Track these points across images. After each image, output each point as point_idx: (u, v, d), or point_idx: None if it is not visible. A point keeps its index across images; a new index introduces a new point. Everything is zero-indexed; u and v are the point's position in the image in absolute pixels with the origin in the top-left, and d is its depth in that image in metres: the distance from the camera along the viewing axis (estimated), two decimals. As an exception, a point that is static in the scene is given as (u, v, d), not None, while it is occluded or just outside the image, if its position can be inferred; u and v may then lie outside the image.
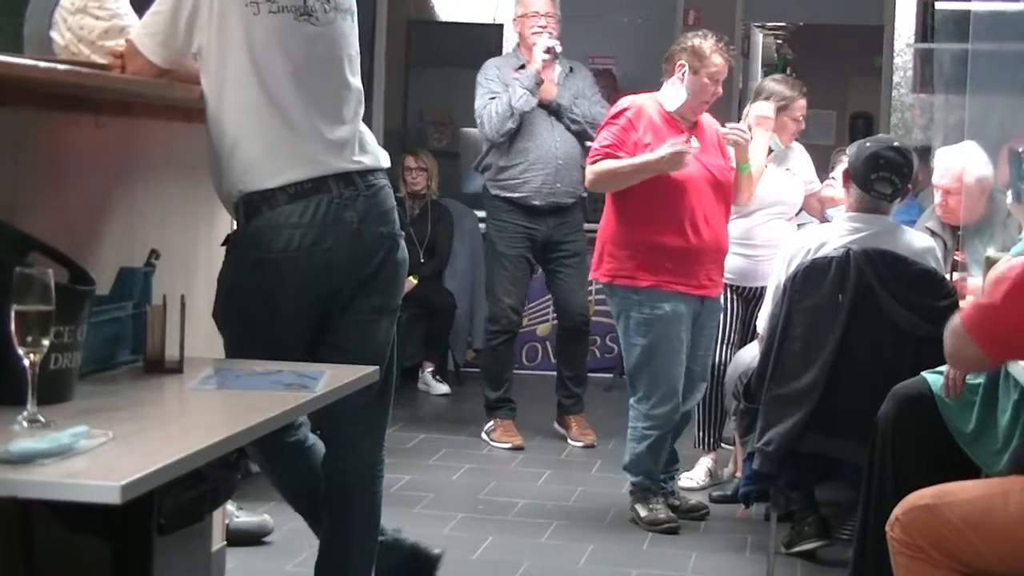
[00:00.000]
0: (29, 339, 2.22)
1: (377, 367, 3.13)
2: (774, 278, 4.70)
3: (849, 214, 4.61)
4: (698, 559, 4.89)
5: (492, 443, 6.62)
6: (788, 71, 11.57)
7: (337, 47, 3.39)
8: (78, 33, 3.58)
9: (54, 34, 3.61)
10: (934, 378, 3.83)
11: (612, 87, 8.67)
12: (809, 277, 4.39)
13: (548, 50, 6.36)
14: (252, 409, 2.53)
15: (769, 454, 4.38)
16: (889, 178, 4.51)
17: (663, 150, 5.01)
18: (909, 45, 9.31)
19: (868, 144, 4.63)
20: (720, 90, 5.23)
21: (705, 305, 5.22)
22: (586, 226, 6.75)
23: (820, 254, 4.44)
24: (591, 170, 5.17)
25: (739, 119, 5.98)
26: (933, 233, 5.42)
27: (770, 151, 5.70)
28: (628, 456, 5.31)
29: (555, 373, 6.90)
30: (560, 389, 6.79)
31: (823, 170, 6.20)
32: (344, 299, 3.36)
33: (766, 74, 11.59)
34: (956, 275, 4.94)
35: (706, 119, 5.32)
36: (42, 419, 2.24)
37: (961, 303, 4.26)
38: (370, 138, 3.47)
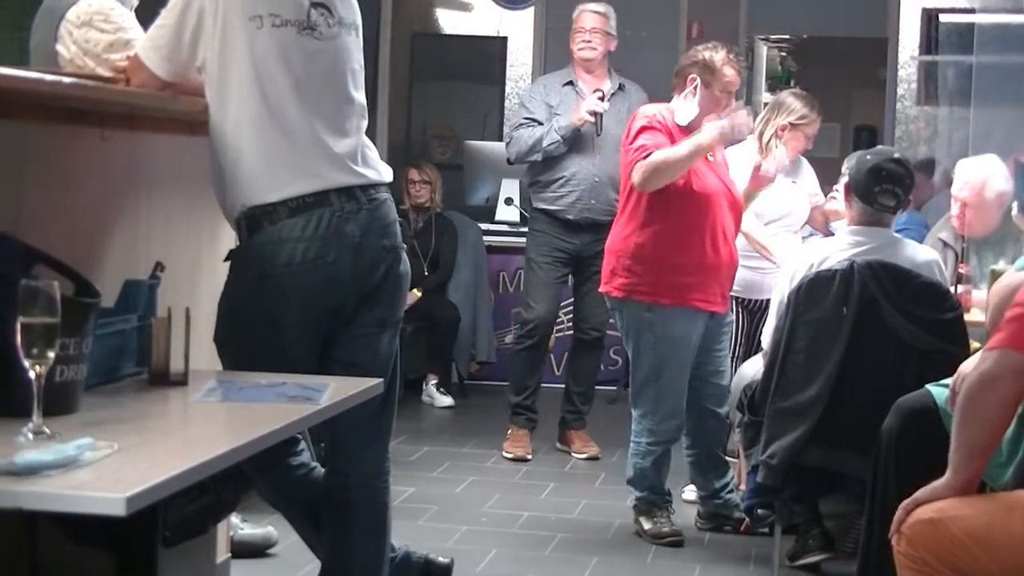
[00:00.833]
0: (34, 351, 2.22)
1: (381, 379, 3.13)
2: (777, 292, 4.69)
3: (851, 227, 4.61)
4: (702, 572, 4.88)
5: (503, 452, 6.61)
6: (792, 83, 11.58)
7: (340, 61, 3.40)
8: (83, 46, 3.59)
9: (59, 47, 3.63)
10: (938, 391, 3.83)
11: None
12: (813, 290, 4.39)
13: (593, 113, 6.41)
14: (256, 421, 2.53)
15: (773, 467, 4.38)
16: (892, 190, 4.52)
17: (711, 129, 4.97)
18: (913, 57, 9.33)
19: (869, 157, 4.64)
20: (733, 103, 5.19)
21: (714, 321, 5.20)
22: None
23: (823, 267, 4.44)
24: (641, 166, 5.00)
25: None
26: (945, 244, 5.43)
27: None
28: (631, 471, 5.30)
29: (561, 386, 6.89)
30: (566, 404, 6.78)
31: (828, 183, 6.20)
32: (347, 313, 3.36)
33: (770, 87, 11.61)
34: (961, 288, 4.94)
35: None
36: (47, 431, 2.24)
37: (967, 315, 4.27)
38: (372, 152, 3.47)
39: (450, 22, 10.43)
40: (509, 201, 8.46)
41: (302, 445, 3.69)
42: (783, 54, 12.36)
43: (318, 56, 3.34)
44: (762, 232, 5.60)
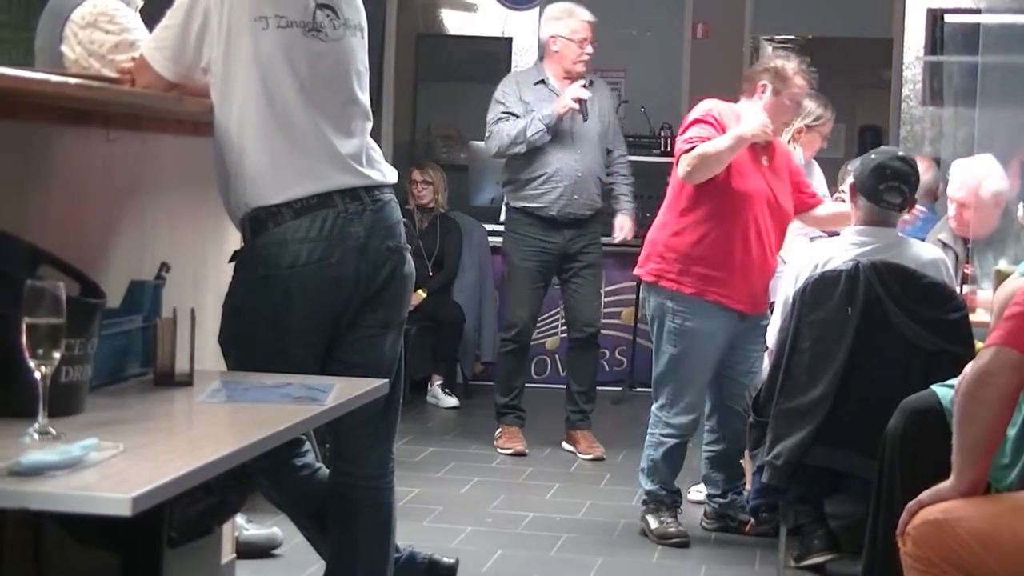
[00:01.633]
0: (40, 352, 2.23)
1: (386, 380, 3.14)
2: (782, 292, 4.70)
3: (856, 227, 4.61)
4: (707, 573, 4.88)
5: (498, 449, 6.66)
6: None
7: (345, 63, 3.40)
8: (88, 47, 3.60)
9: (65, 48, 3.63)
10: (943, 391, 3.82)
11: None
12: (818, 290, 4.39)
13: (578, 100, 6.42)
14: (262, 422, 2.54)
15: (778, 467, 4.38)
16: (898, 187, 4.52)
17: (753, 123, 4.97)
18: (918, 58, 9.33)
19: (873, 156, 4.64)
20: (799, 111, 5.25)
21: (747, 322, 5.18)
22: (603, 239, 6.82)
23: (828, 268, 4.44)
24: (686, 159, 4.99)
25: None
26: (945, 245, 5.42)
27: None
28: (644, 462, 5.31)
29: (564, 386, 6.90)
30: (569, 404, 6.78)
31: (833, 183, 6.20)
32: (351, 314, 3.36)
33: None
34: (966, 288, 4.93)
35: (781, 145, 5.30)
36: (53, 431, 2.24)
37: (972, 316, 4.27)
38: (377, 153, 3.47)
39: (455, 23, 10.44)
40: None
41: (306, 446, 3.70)
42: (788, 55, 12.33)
43: (323, 57, 3.33)
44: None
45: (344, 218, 3.28)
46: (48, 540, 2.79)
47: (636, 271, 5.38)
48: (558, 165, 6.53)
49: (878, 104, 9.94)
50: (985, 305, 4.61)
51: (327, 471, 3.62)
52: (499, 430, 6.77)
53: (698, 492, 5.71)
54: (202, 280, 3.71)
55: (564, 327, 7.08)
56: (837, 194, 5.81)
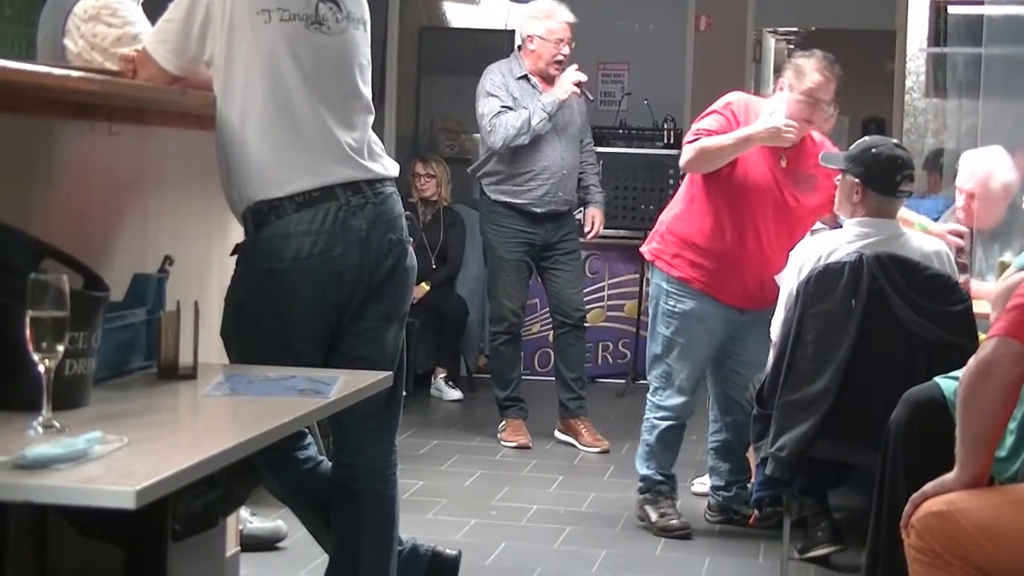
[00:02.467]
0: (44, 345, 2.23)
1: (390, 372, 3.14)
2: (785, 285, 4.69)
3: (858, 219, 4.61)
4: (711, 565, 4.89)
5: (501, 442, 6.69)
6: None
7: (348, 56, 3.40)
8: (91, 40, 3.60)
9: (67, 41, 3.63)
10: (947, 383, 3.82)
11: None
12: (822, 282, 4.39)
13: (578, 84, 6.46)
14: (266, 414, 2.54)
15: (782, 459, 4.38)
16: (910, 175, 4.58)
17: (763, 123, 4.94)
18: (922, 50, 9.30)
19: (874, 150, 4.59)
20: (829, 111, 5.17)
21: (748, 315, 5.18)
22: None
23: (831, 260, 4.44)
24: (687, 149, 5.02)
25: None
26: (951, 237, 5.42)
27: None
28: (640, 447, 5.35)
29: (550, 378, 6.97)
30: (564, 391, 6.78)
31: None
32: (354, 307, 3.36)
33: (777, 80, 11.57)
34: (962, 277, 4.94)
35: (815, 144, 5.17)
36: (57, 425, 2.24)
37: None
38: (379, 146, 3.47)
39: (458, 16, 10.43)
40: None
41: (309, 439, 3.70)
42: (791, 47, 12.32)
43: (326, 50, 3.33)
44: None
45: (346, 211, 3.28)
46: (52, 533, 2.80)
47: (642, 248, 5.44)
48: (546, 163, 6.57)
49: (881, 96, 9.93)
50: (980, 296, 4.60)
51: (330, 464, 3.62)
52: (503, 423, 6.79)
53: (702, 484, 5.71)
54: (206, 273, 3.71)
55: (551, 314, 7.08)
56: None
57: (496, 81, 6.62)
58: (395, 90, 9.55)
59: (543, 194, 6.58)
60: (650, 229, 5.47)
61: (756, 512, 5.19)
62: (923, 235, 4.77)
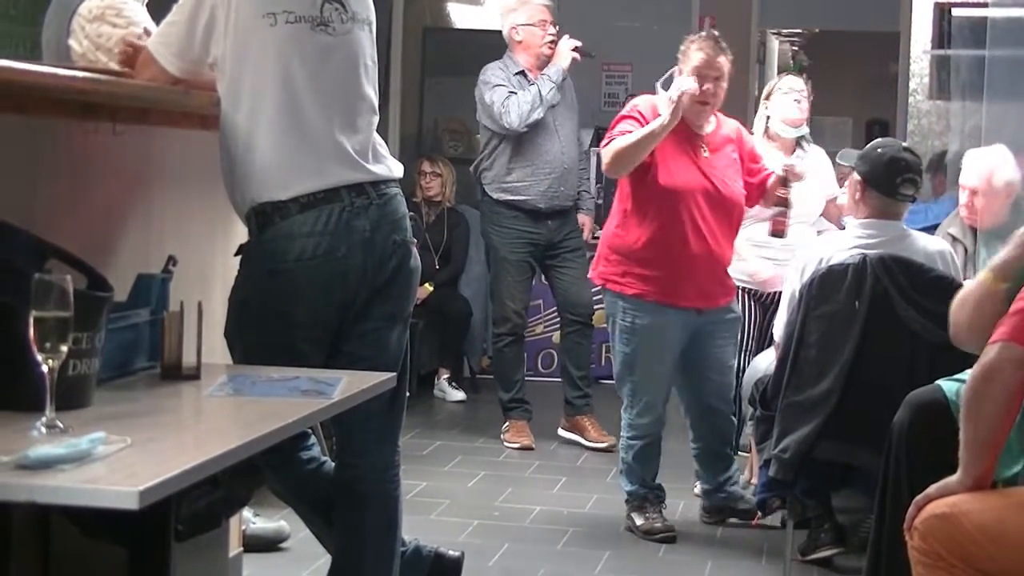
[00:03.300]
0: (47, 345, 2.23)
1: (394, 373, 3.14)
2: (788, 286, 4.69)
3: (862, 220, 4.61)
4: (714, 566, 4.88)
5: (505, 443, 6.68)
6: (804, 78, 11.54)
7: (353, 57, 3.40)
8: (96, 41, 3.59)
9: (72, 42, 3.63)
10: (949, 385, 3.82)
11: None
12: (825, 284, 4.39)
13: (576, 49, 6.52)
14: (269, 415, 2.54)
15: (785, 461, 4.38)
16: (912, 179, 4.55)
17: (664, 114, 4.90)
18: (925, 52, 9.30)
19: (880, 150, 4.62)
20: (716, 89, 5.06)
21: (706, 315, 5.15)
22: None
23: (835, 261, 4.44)
24: (608, 151, 5.03)
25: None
26: (954, 239, 5.41)
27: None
28: (621, 464, 5.34)
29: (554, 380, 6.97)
30: (571, 389, 6.79)
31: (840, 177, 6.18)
32: (357, 308, 3.37)
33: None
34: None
35: (729, 130, 5.23)
36: (60, 425, 2.25)
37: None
38: (383, 148, 3.47)
39: (461, 16, 10.42)
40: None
41: (312, 440, 3.70)
42: (795, 48, 12.33)
43: (332, 52, 3.33)
44: (747, 248, 5.57)
45: (350, 212, 3.29)
46: (56, 533, 2.80)
47: (589, 275, 5.43)
48: (548, 157, 6.60)
49: (885, 98, 9.92)
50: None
51: (333, 464, 3.63)
52: (506, 424, 6.79)
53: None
54: (209, 273, 3.71)
55: (558, 312, 7.08)
56: (846, 186, 5.75)
57: (498, 74, 6.67)
58: (399, 91, 9.55)
59: (544, 189, 6.59)
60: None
61: (760, 512, 5.18)
62: (927, 236, 4.77)
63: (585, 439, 6.71)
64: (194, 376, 2.92)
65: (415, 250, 3.48)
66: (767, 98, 5.89)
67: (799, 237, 5.56)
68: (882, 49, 9.98)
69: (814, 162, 5.86)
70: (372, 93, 3.45)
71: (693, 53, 5.08)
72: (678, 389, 5.34)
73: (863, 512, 4.96)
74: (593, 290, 6.42)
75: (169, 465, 2.09)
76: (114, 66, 3.46)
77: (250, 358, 3.26)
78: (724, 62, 5.10)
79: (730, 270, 5.23)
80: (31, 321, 2.23)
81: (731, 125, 5.27)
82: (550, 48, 6.60)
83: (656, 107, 5.07)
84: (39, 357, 2.23)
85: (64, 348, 2.25)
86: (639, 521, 5.23)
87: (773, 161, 5.36)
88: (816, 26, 10.82)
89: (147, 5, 3.81)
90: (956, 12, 8.36)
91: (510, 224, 6.66)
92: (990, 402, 3.01)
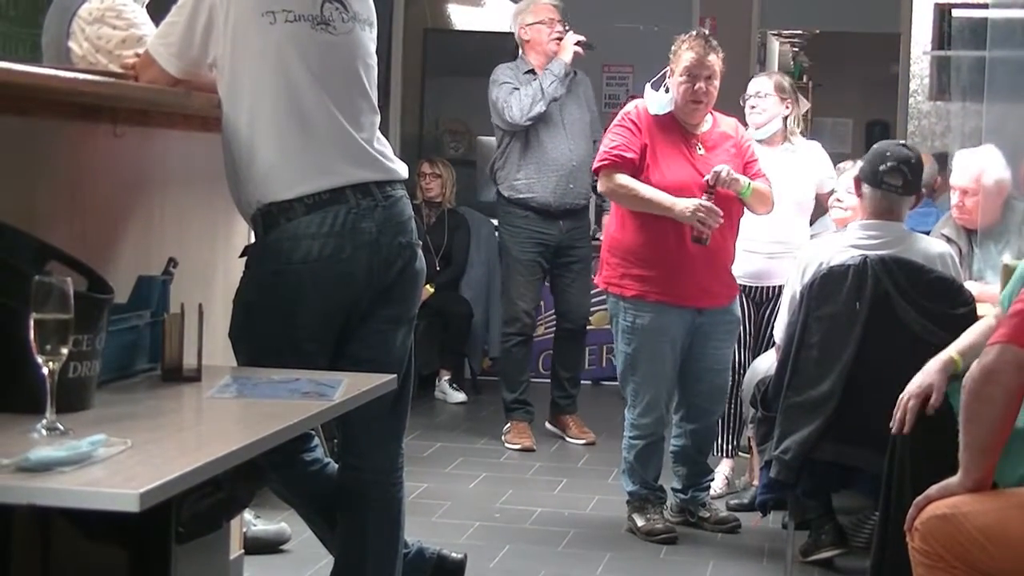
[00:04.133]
0: (48, 347, 2.23)
1: (395, 375, 3.13)
2: (788, 287, 4.69)
3: (862, 222, 4.61)
4: (715, 567, 4.88)
5: (506, 445, 6.70)
6: (804, 78, 11.55)
7: (354, 57, 3.39)
8: (96, 43, 3.60)
9: (72, 44, 3.63)
10: (951, 386, 3.82)
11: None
12: (826, 285, 4.39)
13: (579, 43, 6.58)
14: (270, 417, 2.54)
15: (786, 462, 4.37)
16: (897, 167, 4.49)
17: (685, 204, 4.91)
18: (926, 53, 9.30)
19: (876, 144, 4.70)
20: (708, 88, 5.06)
21: (706, 316, 5.17)
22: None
23: (835, 262, 4.43)
24: (608, 178, 5.08)
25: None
26: (949, 240, 5.41)
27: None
28: (623, 464, 5.34)
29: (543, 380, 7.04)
30: (557, 389, 6.96)
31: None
32: (362, 309, 3.36)
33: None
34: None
35: (727, 127, 5.23)
36: (61, 427, 2.25)
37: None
38: (388, 148, 3.46)
39: (462, 17, 10.43)
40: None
41: (315, 441, 3.70)
42: (796, 49, 12.33)
43: (333, 51, 3.33)
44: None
45: (356, 214, 3.28)
46: (56, 536, 2.79)
47: (595, 279, 5.50)
48: (555, 155, 6.62)
49: (885, 99, 9.93)
50: (984, 299, 4.58)
51: (336, 466, 3.62)
52: (507, 425, 6.80)
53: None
54: (210, 275, 3.71)
55: (556, 317, 7.16)
56: (834, 199, 5.70)
57: (506, 73, 6.72)
58: (399, 92, 9.55)
59: (553, 187, 6.61)
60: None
61: (761, 514, 5.18)
62: (928, 238, 4.76)
63: (567, 435, 6.88)
64: (195, 378, 2.91)
65: (420, 252, 3.48)
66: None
67: (790, 228, 5.56)
68: (882, 50, 9.98)
69: (805, 155, 5.84)
70: (373, 92, 3.45)
71: (684, 53, 5.10)
72: (676, 390, 5.34)
73: (864, 513, 4.97)
74: (594, 291, 6.45)
75: (170, 467, 2.09)
76: (114, 68, 3.46)
77: (255, 359, 3.26)
78: (715, 60, 5.11)
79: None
80: (31, 323, 2.22)
81: (729, 123, 5.28)
82: (557, 45, 6.65)
83: (646, 109, 5.11)
84: (39, 359, 2.23)
85: (64, 350, 2.25)
86: (640, 522, 5.23)
87: (763, 160, 5.38)
88: (817, 27, 10.82)
89: (147, 6, 3.81)
90: (956, 13, 8.36)
91: (521, 224, 6.70)
92: (990, 404, 3.01)
